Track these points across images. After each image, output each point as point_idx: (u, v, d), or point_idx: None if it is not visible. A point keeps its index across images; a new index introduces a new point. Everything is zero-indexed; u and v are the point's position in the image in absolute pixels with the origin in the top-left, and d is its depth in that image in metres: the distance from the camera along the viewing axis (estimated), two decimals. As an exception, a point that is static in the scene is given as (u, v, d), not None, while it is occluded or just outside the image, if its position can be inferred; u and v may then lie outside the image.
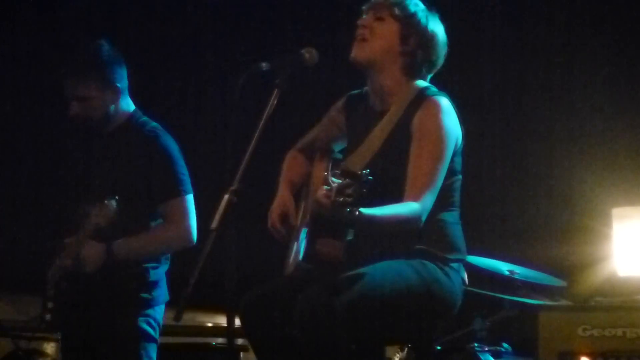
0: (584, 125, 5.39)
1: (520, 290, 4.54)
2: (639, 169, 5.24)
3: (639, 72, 5.38)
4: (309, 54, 3.55)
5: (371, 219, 3.36)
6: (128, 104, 4.39)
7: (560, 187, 5.37)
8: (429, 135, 3.63)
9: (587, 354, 4.09)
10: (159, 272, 4.31)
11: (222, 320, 5.11)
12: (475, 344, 4.48)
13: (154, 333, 4.28)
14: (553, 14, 5.53)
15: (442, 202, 3.64)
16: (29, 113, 6.07)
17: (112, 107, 4.32)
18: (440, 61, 3.79)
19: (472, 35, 5.43)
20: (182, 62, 6.11)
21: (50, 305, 4.16)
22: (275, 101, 3.45)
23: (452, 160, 3.66)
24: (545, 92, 5.52)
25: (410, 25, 3.72)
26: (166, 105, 5.85)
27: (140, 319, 4.24)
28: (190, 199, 4.29)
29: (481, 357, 4.43)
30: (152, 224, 4.28)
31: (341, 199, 3.20)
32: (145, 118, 4.39)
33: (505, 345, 4.58)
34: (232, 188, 3.32)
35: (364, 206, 3.28)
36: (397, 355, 4.51)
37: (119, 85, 4.31)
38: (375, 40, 3.72)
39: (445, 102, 3.68)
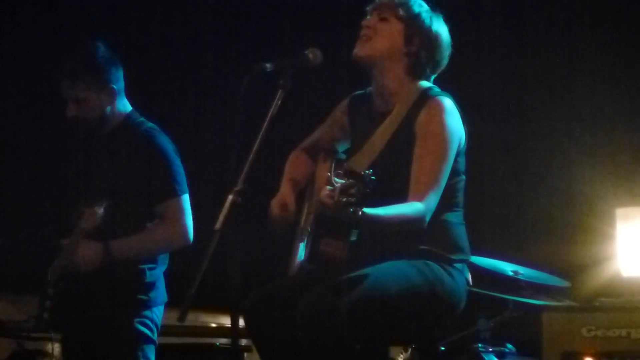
0: (587, 125, 5.37)
1: (524, 290, 4.53)
2: (643, 169, 5.25)
3: (641, 71, 5.39)
4: (313, 55, 3.56)
5: (375, 219, 3.35)
6: (125, 105, 4.39)
7: (564, 188, 5.35)
8: (433, 135, 3.62)
9: (591, 355, 4.08)
10: (156, 274, 4.31)
11: (226, 321, 5.13)
12: (479, 345, 4.47)
13: (152, 334, 4.27)
14: (554, 14, 5.53)
15: (446, 202, 3.63)
16: (29, 113, 6.06)
17: (109, 108, 4.32)
18: (445, 62, 3.79)
19: (472, 36, 5.41)
20: (184, 62, 6.10)
21: (48, 304, 4.16)
22: (279, 102, 3.45)
23: (455, 161, 3.66)
24: (547, 91, 5.51)
25: (414, 25, 3.71)
26: (169, 106, 5.87)
27: (137, 320, 4.24)
28: (186, 198, 4.29)
29: (485, 357, 4.41)
30: (149, 223, 4.27)
31: (344, 199, 3.19)
32: (142, 119, 4.40)
33: (509, 345, 4.57)
34: (236, 189, 3.32)
35: (368, 206, 3.27)
36: (401, 355, 4.50)
37: (115, 86, 4.31)
38: (379, 40, 3.72)
39: (448, 103, 3.68)
